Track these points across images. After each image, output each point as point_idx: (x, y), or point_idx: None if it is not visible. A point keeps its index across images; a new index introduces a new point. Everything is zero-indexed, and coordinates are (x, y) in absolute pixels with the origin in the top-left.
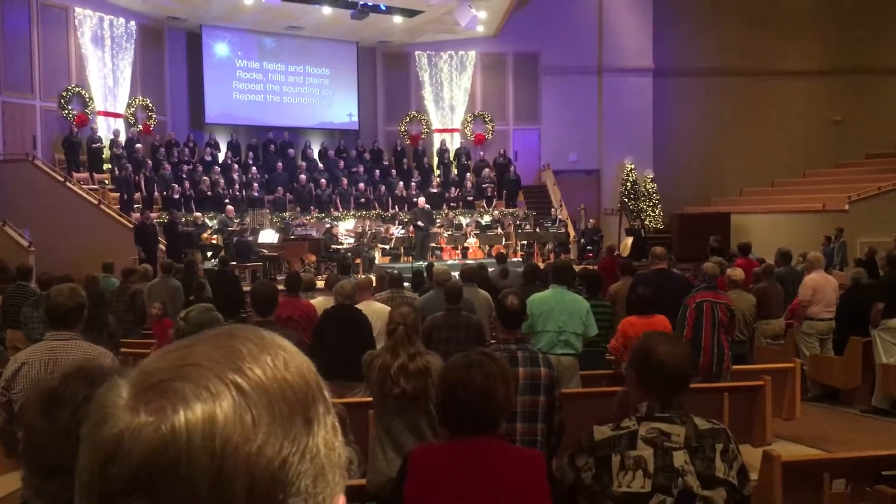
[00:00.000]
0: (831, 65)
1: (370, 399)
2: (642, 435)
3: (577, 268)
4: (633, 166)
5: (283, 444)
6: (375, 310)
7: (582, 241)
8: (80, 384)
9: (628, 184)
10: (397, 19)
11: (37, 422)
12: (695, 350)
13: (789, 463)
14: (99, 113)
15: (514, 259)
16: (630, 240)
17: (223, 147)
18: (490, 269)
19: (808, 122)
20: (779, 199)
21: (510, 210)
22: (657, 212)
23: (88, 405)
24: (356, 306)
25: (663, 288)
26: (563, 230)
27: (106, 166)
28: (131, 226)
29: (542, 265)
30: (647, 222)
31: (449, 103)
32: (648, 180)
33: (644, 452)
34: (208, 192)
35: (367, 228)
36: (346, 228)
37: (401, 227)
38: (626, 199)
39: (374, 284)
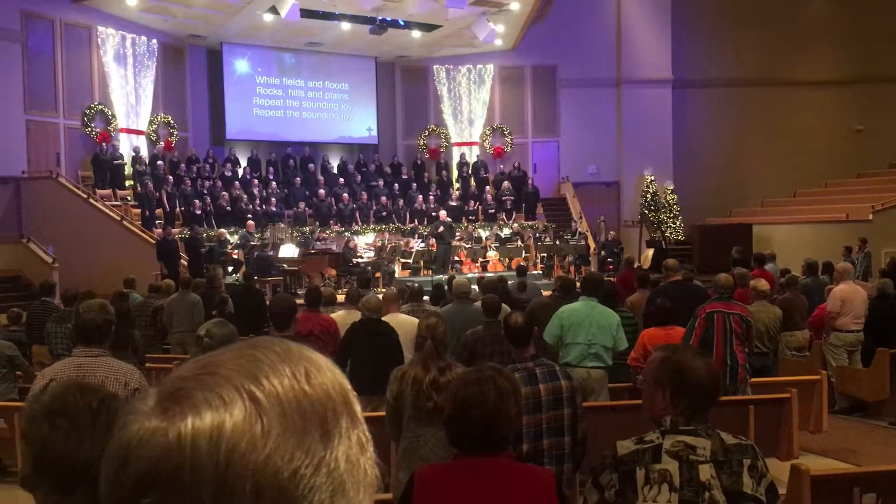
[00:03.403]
0: (852, 74)
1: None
2: (667, 448)
3: None
4: (652, 178)
5: (295, 455)
6: (401, 322)
7: (602, 253)
8: (86, 393)
9: (648, 195)
10: (416, 34)
11: (52, 435)
12: None
13: (818, 477)
14: (121, 130)
15: (535, 272)
16: (651, 251)
17: (243, 162)
18: (510, 282)
19: (830, 131)
20: (801, 210)
21: (530, 223)
22: (678, 223)
23: (105, 410)
24: (382, 319)
25: (681, 299)
26: (583, 242)
27: (128, 183)
28: (153, 242)
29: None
30: (667, 234)
31: (468, 117)
32: (669, 192)
33: (669, 466)
34: (228, 208)
35: (386, 242)
36: (365, 242)
37: (420, 240)
38: (647, 211)
39: (399, 297)
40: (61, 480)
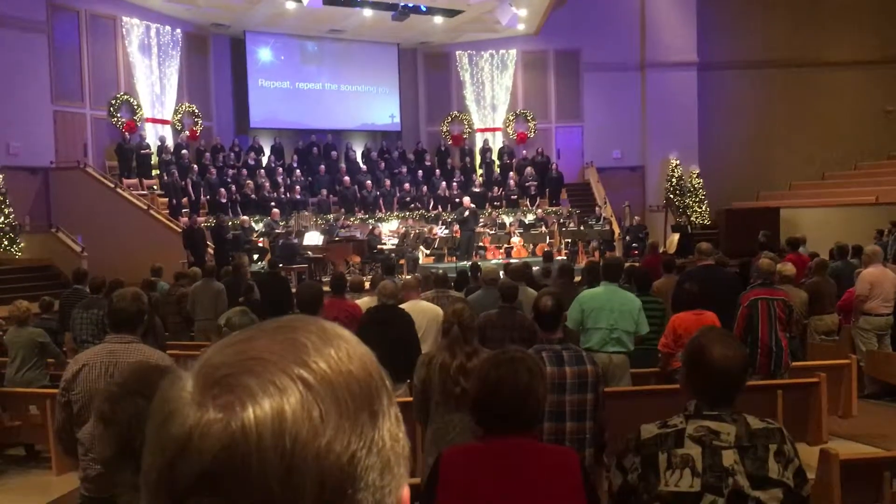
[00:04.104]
0: (881, 54)
1: (411, 399)
2: (690, 433)
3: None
4: (678, 162)
5: (351, 439)
6: (422, 308)
7: (627, 238)
8: (163, 374)
9: (673, 179)
10: (438, 20)
11: (140, 415)
12: (751, 349)
13: (847, 461)
14: (147, 120)
15: (559, 258)
16: (676, 236)
17: (267, 151)
18: (535, 268)
19: (859, 113)
20: (830, 193)
21: (553, 208)
22: (703, 207)
23: None
24: (402, 305)
25: (710, 284)
26: (607, 228)
27: (154, 172)
28: (180, 230)
29: (583, 263)
30: (693, 218)
31: (490, 102)
32: (694, 176)
33: (692, 451)
34: (252, 196)
35: (410, 229)
36: (389, 229)
37: (444, 227)
38: (672, 196)
39: (419, 284)
40: None
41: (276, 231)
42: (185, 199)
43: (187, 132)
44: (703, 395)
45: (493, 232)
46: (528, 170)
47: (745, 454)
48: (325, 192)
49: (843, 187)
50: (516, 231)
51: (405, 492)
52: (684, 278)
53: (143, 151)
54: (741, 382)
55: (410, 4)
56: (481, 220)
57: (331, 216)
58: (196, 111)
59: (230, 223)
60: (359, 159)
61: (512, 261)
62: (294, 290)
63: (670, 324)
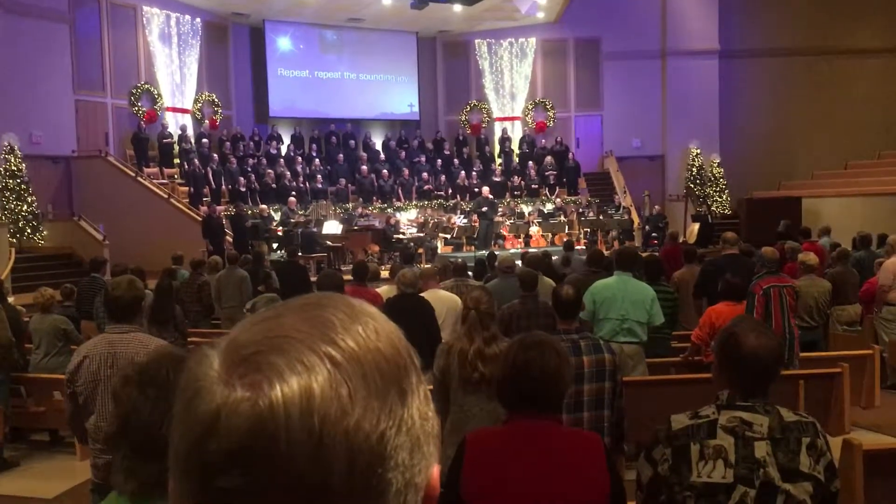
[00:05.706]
0: None
1: (431, 388)
2: (722, 424)
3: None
4: (698, 151)
5: (381, 418)
6: (441, 297)
7: (646, 227)
8: (179, 368)
9: (694, 169)
10: (457, 8)
11: (139, 401)
12: None
13: (870, 452)
14: (167, 109)
15: (578, 247)
16: (696, 226)
17: (286, 140)
18: (554, 258)
19: (882, 101)
20: (853, 182)
21: (573, 198)
22: (724, 197)
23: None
24: (421, 294)
25: (738, 274)
26: (626, 217)
27: (175, 161)
28: (200, 219)
29: (606, 252)
30: (713, 208)
31: (509, 91)
32: (715, 165)
33: (724, 442)
34: (273, 185)
35: (429, 218)
36: (408, 219)
37: (463, 216)
38: (692, 185)
39: (438, 273)
40: (140, 447)
41: (293, 220)
42: (205, 189)
43: (208, 121)
44: (736, 385)
45: (511, 221)
46: (548, 159)
47: (778, 446)
48: (342, 181)
49: (866, 177)
50: (535, 220)
51: (435, 471)
52: (711, 268)
53: (165, 140)
54: (775, 373)
55: None
56: (500, 209)
57: (349, 205)
58: (216, 100)
59: (248, 212)
60: (378, 148)
61: (530, 250)
62: (314, 280)
63: (706, 317)
